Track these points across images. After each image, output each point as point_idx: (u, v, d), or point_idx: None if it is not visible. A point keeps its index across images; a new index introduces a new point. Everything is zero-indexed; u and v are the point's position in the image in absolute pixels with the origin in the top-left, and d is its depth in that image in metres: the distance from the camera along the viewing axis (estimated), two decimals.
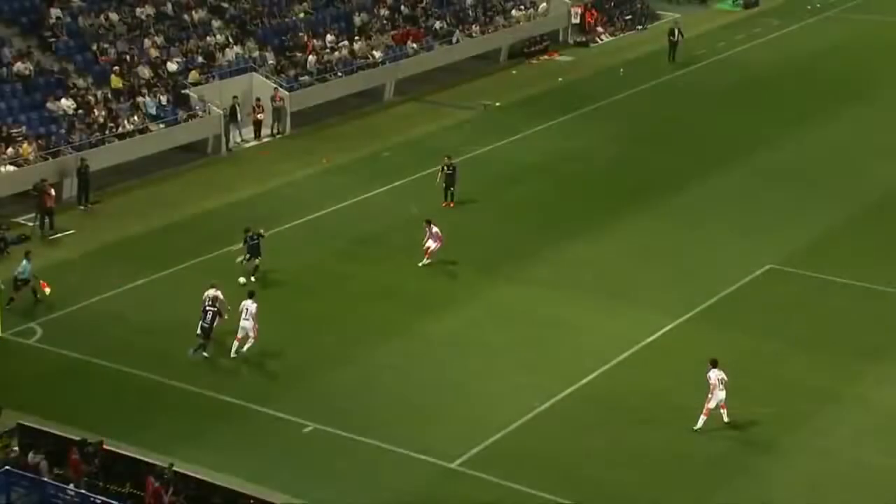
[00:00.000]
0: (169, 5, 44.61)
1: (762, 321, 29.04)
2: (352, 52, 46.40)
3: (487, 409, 25.64)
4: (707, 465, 23.74)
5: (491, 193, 37.03)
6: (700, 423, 24.51)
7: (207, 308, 27.52)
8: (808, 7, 58.61)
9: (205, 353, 27.48)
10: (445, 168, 36.20)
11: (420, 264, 31.75)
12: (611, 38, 55.07)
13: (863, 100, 45.44)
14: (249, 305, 27.52)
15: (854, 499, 22.72)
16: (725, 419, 24.57)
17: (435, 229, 31.78)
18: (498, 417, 25.20)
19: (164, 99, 40.63)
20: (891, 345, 27.86)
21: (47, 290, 29.98)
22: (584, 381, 26.61)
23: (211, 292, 27.89)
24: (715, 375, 24.52)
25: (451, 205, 35.81)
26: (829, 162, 39.49)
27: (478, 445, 24.30)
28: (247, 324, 27.42)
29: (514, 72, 50.17)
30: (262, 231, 31.44)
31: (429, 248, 31.79)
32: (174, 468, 21.76)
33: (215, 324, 27.47)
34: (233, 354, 27.50)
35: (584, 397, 26.12)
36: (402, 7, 50.46)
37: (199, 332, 27.58)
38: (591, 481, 23.34)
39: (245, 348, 27.56)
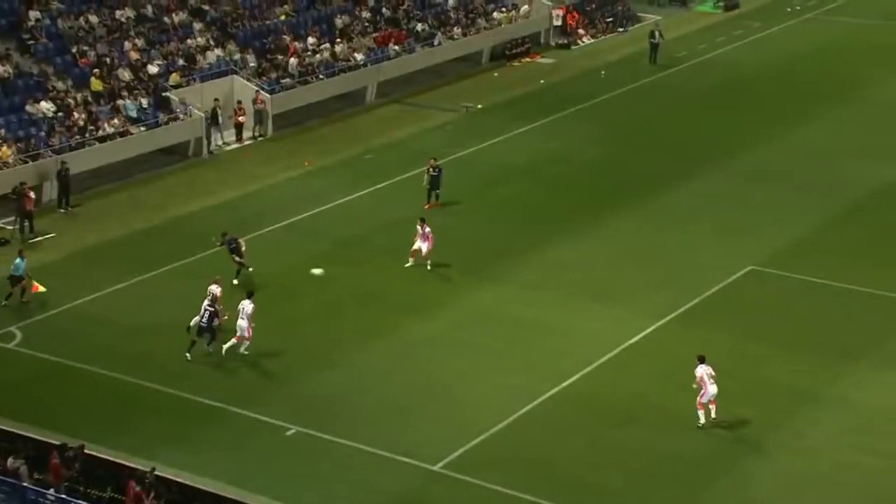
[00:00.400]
0: (149, 8, 44.45)
1: (744, 322, 29.11)
2: (333, 54, 46.34)
3: (471, 410, 25.62)
4: (690, 466, 23.77)
5: (474, 195, 37.02)
6: (701, 420, 24.60)
7: (206, 307, 27.53)
8: (788, 9, 58.86)
9: (187, 354, 27.41)
10: (430, 170, 36.16)
11: (406, 265, 31.76)
12: (592, 41, 55.18)
13: (842, 101, 45.62)
14: (247, 305, 27.55)
15: (834, 498, 22.79)
16: (713, 415, 24.63)
17: (427, 229, 31.70)
18: (481, 419, 25.18)
19: (144, 101, 40.48)
20: (870, 345, 27.97)
21: (42, 289, 29.86)
22: (568, 382, 26.62)
23: (213, 288, 27.99)
24: (702, 370, 24.60)
25: (439, 205, 35.71)
26: (809, 163, 39.63)
27: (461, 447, 24.27)
28: (243, 323, 27.42)
29: (495, 74, 50.21)
30: (242, 245, 31.31)
31: (419, 249, 31.68)
32: (156, 472, 21.64)
33: (213, 324, 27.44)
34: (224, 349, 27.40)
35: (567, 399, 26.13)
36: (384, 9, 50.44)
37: (190, 326, 27.51)
38: (574, 483, 23.34)
39: (242, 349, 27.52)
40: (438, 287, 31.18)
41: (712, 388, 24.50)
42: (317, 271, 30.67)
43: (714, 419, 24.67)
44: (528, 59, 52.21)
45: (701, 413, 24.68)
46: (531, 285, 31.16)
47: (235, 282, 30.70)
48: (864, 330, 28.70)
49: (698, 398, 24.64)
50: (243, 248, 31.36)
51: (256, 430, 25.03)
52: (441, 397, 26.23)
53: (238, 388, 26.61)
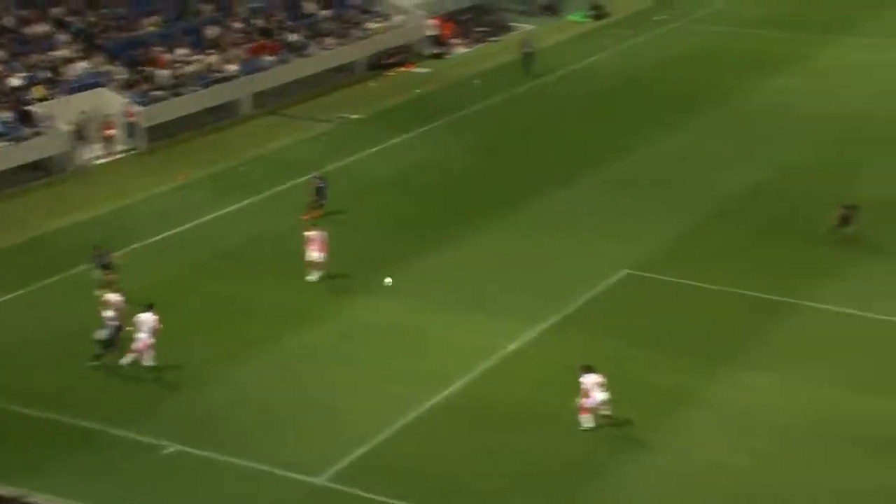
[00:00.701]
0: (9, 18, 43.05)
1: (621, 326, 29.53)
2: (206, 65, 45.64)
3: (354, 421, 25.41)
4: (570, 469, 23.98)
5: (350, 206, 36.81)
6: (587, 424, 24.85)
7: (109, 322, 27.02)
8: (655, 18, 60.28)
9: (93, 363, 26.98)
10: (317, 181, 35.84)
11: (308, 278, 31.31)
12: (466, 50, 55.63)
13: (709, 108, 46.72)
14: (147, 318, 26.92)
15: (708, 498, 23.16)
16: (608, 413, 24.92)
17: (324, 234, 31.31)
18: (365, 430, 25.00)
19: (6, 115, 39.15)
20: (741, 346, 28.59)
21: None
22: (449, 390, 26.63)
23: (111, 297, 27.42)
24: (589, 380, 24.86)
25: (320, 215, 35.28)
26: (678, 168, 40.47)
27: (345, 459, 24.04)
28: (141, 336, 26.86)
29: (371, 84, 50.17)
30: (114, 261, 30.64)
31: (314, 259, 31.29)
32: (27, 500, 20.86)
33: (115, 336, 27.02)
34: (123, 363, 26.99)
35: (450, 407, 26.14)
36: (256, 20, 49.92)
37: (97, 341, 26.99)
38: (458, 490, 23.33)
39: (144, 362, 26.97)
40: (315, 299, 30.88)
41: (601, 395, 24.79)
42: (388, 280, 30.27)
43: (608, 416, 24.89)
44: (403, 69, 52.33)
45: (585, 417, 24.94)
46: (409, 295, 31.10)
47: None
48: (736, 330, 29.37)
49: (581, 402, 24.88)
50: (116, 263, 30.61)
51: (132, 450, 24.35)
52: (323, 409, 25.96)
53: (113, 407, 25.86)
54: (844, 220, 33.43)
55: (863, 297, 30.30)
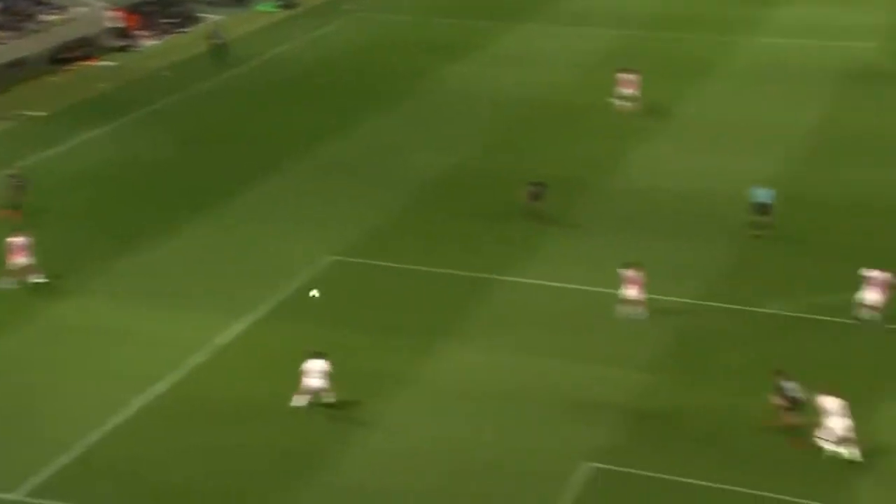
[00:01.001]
0: None
1: (331, 312, 29.48)
2: None
3: (55, 429, 24.07)
4: (289, 458, 23.73)
5: (43, 206, 34.77)
6: (296, 402, 24.71)
7: None
8: (345, 7, 60.72)
9: None
10: (14, 180, 34.12)
11: (12, 286, 29.53)
12: (154, 42, 53.95)
13: (399, 95, 47.40)
14: None
15: (427, 472, 23.49)
16: (332, 400, 24.86)
17: (25, 239, 29.53)
18: (67, 437, 23.73)
19: None
20: (450, 323, 29.12)
21: None
22: (159, 389, 25.73)
23: None
24: (312, 366, 24.76)
25: (18, 214, 33.24)
26: (376, 154, 40.87)
27: (45, 470, 22.72)
28: None
29: (52, 79, 47.67)
30: None
31: (21, 265, 29.36)
32: None
33: None
34: None
35: (160, 406, 25.26)
36: None
37: None
38: (175, 492, 22.58)
39: None
40: (8, 304, 29.02)
41: (314, 382, 24.68)
42: (314, 293, 28.35)
43: (327, 404, 24.84)
44: (87, 63, 50.06)
45: (298, 397, 24.80)
46: (110, 294, 29.82)
47: None
48: (443, 309, 29.92)
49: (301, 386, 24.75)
50: None
51: None
52: (19, 419, 24.43)
53: None
54: (534, 197, 34.98)
55: (555, 269, 31.76)
